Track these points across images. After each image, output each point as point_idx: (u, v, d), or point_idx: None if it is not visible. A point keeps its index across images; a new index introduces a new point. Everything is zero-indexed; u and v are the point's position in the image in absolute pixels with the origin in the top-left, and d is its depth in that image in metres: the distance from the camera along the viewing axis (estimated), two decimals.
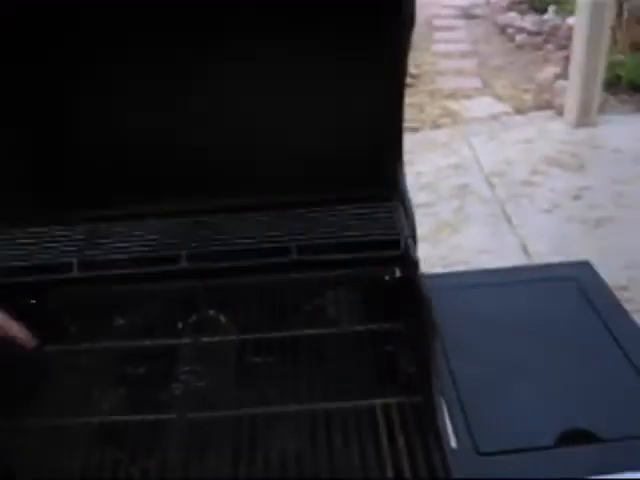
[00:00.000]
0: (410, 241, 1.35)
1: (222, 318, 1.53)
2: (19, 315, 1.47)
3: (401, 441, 1.17)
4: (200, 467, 1.17)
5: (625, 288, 3.12)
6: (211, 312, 1.54)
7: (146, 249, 1.42)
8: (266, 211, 1.46)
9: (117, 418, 1.28)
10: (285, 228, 1.43)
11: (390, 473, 1.12)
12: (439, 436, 1.14)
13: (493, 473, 1.12)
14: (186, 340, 1.46)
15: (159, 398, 1.33)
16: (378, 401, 1.26)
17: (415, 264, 1.29)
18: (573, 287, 1.54)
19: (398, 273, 1.55)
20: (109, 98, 1.46)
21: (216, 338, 1.46)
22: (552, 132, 4.89)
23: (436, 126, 5.14)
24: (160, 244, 1.43)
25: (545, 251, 3.56)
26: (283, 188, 1.47)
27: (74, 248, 1.46)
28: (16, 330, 1.28)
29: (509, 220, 3.92)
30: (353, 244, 1.38)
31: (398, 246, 1.35)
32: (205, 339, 1.46)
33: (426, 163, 4.51)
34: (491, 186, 4.27)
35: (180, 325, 1.51)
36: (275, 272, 1.49)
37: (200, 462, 1.18)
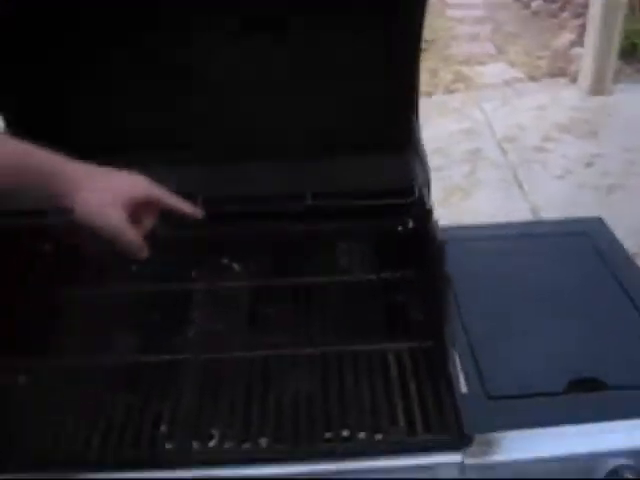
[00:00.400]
0: (424, 189, 1.35)
1: (235, 266, 1.54)
2: (32, 260, 1.49)
3: (412, 385, 1.18)
4: (214, 409, 1.18)
5: (637, 255, 3.11)
6: (224, 260, 1.55)
7: None
8: (281, 160, 1.46)
9: (131, 359, 1.30)
10: (300, 176, 1.43)
11: (401, 416, 1.13)
12: (450, 380, 1.15)
13: (503, 417, 1.13)
14: (200, 286, 1.47)
15: (173, 340, 1.34)
16: (390, 345, 1.27)
17: (429, 212, 1.29)
18: (586, 242, 1.54)
19: (411, 224, 1.56)
20: (109, 98, 1.46)
21: (229, 284, 1.46)
22: (565, 99, 4.86)
23: (449, 91, 5.11)
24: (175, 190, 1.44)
25: (556, 217, 3.55)
26: (298, 138, 1.47)
27: None
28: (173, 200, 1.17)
29: (521, 186, 3.91)
30: (367, 192, 1.38)
31: (412, 194, 1.35)
32: (219, 285, 1.47)
33: (438, 127, 4.49)
34: (503, 151, 4.25)
35: (194, 272, 1.52)
36: (289, 221, 1.50)
37: (214, 404, 1.19)
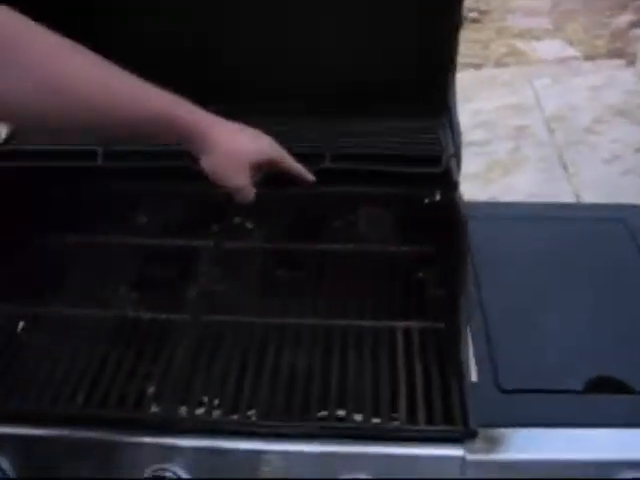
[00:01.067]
0: (453, 160, 1.25)
1: (248, 225, 1.46)
2: (37, 203, 1.42)
3: (418, 368, 1.09)
4: (206, 375, 1.11)
5: None
6: (237, 219, 1.47)
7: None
8: (301, 118, 1.37)
9: (129, 314, 1.23)
10: (321, 135, 1.34)
11: (402, 401, 1.04)
12: (459, 366, 1.06)
13: (513, 412, 1.04)
14: (208, 243, 1.40)
15: (174, 298, 1.27)
16: (399, 324, 1.18)
17: (455, 185, 1.19)
18: (622, 229, 1.43)
19: (438, 196, 1.46)
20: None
21: (240, 244, 1.39)
22: (621, 82, 4.69)
23: (500, 64, 4.96)
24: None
25: (597, 202, 3.42)
26: (322, 95, 1.38)
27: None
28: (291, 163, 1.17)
29: (565, 167, 3.77)
30: (391, 157, 1.28)
31: (439, 163, 1.26)
32: (228, 244, 1.39)
33: (485, 101, 4.35)
34: (550, 130, 4.11)
35: (203, 229, 1.44)
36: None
37: (207, 369, 1.12)
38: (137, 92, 0.96)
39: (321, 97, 1.37)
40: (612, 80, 4.71)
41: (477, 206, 1.41)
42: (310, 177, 1.20)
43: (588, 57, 5.08)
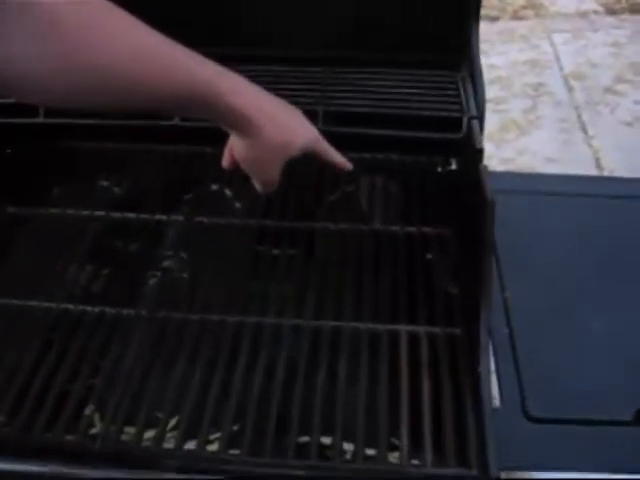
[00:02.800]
0: (475, 123, 1.01)
1: (228, 192, 1.22)
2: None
3: (425, 387, 0.87)
4: (161, 383, 0.89)
5: None
6: (214, 186, 1.24)
7: None
8: (299, 67, 1.13)
9: (72, 308, 1.00)
10: (314, 89, 1.09)
11: (404, 431, 0.82)
12: (478, 387, 0.83)
13: (546, 449, 0.82)
14: (177, 218, 1.16)
15: (129, 287, 1.04)
16: (404, 327, 0.95)
17: (478, 153, 0.95)
18: None
19: (454, 165, 1.22)
20: None
21: (214, 220, 1.15)
22: None
23: (517, 17, 4.65)
24: None
25: (620, 167, 3.16)
26: (327, 41, 1.14)
27: None
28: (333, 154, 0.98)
29: (584, 129, 3.51)
30: (399, 118, 1.04)
31: (459, 128, 1.01)
32: (200, 219, 1.15)
33: (501, 56, 4.07)
34: (569, 89, 3.84)
35: (173, 197, 1.21)
36: None
37: (162, 376, 0.90)
38: (179, 62, 0.79)
39: (326, 46, 1.13)
40: (635, 36, 4.41)
41: (497, 177, 1.17)
42: (349, 166, 1.01)
43: (610, 11, 4.76)
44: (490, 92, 3.71)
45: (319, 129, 1.00)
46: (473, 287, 0.91)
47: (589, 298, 1.02)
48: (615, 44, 4.33)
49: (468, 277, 0.96)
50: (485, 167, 0.90)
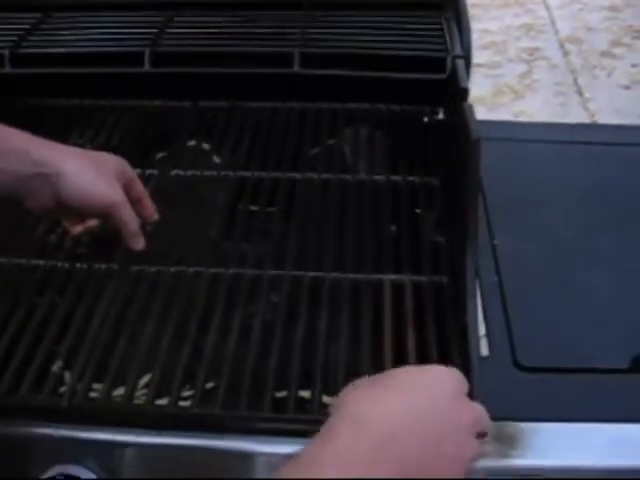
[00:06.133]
0: (460, 63, 0.96)
1: (205, 146, 1.17)
2: None
3: (410, 337, 0.82)
4: (132, 339, 0.85)
5: None
6: (192, 142, 1.19)
7: (100, 43, 1.05)
8: (271, 10, 1.07)
9: (41, 263, 0.95)
10: (292, 32, 1.04)
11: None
12: (465, 336, 0.79)
13: (536, 399, 0.77)
14: (153, 171, 1.11)
15: (100, 242, 0.99)
16: (388, 276, 0.90)
17: (463, 92, 0.90)
18: None
19: (442, 114, 1.18)
20: None
21: (189, 173, 1.10)
22: None
23: None
24: (118, 39, 1.06)
25: None
26: None
27: (10, 39, 1.09)
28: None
29: (580, 92, 3.46)
30: (380, 59, 0.99)
31: (443, 68, 0.96)
32: (176, 172, 1.10)
33: (495, 20, 4.02)
34: (565, 53, 3.79)
35: (150, 153, 1.16)
36: (275, 97, 1.12)
37: (132, 333, 0.85)
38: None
39: None
40: (632, 0, 4.35)
41: (487, 126, 1.12)
42: (154, 216, 0.94)
43: None
44: (484, 57, 3.68)
45: (296, 73, 0.95)
46: (459, 232, 0.87)
47: (583, 247, 0.97)
48: (612, 8, 4.28)
49: (455, 223, 0.91)
50: (470, 106, 0.85)
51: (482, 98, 3.18)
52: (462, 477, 0.59)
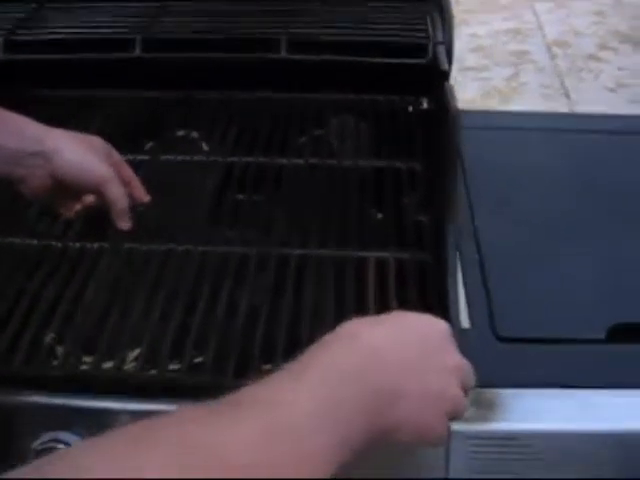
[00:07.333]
0: (441, 49, 0.99)
1: (194, 135, 1.20)
2: None
3: (394, 307, 0.85)
4: (122, 315, 0.87)
5: None
6: (181, 132, 1.21)
7: (92, 31, 1.08)
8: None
9: (34, 243, 0.98)
10: (278, 20, 1.07)
11: None
12: (446, 309, 0.81)
13: (515, 368, 0.80)
14: (144, 157, 1.14)
15: (92, 223, 1.02)
16: (372, 254, 0.93)
17: (444, 74, 0.93)
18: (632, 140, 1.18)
19: (425, 104, 1.21)
20: None
21: (179, 158, 1.12)
22: (629, 6, 4.37)
23: None
24: (109, 27, 1.09)
25: None
26: None
27: (5, 27, 1.11)
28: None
29: (567, 95, 3.50)
30: (364, 45, 1.02)
31: (425, 53, 0.99)
32: (166, 157, 1.13)
33: (483, 25, 4.05)
34: (552, 56, 3.83)
35: (141, 141, 1.18)
36: (262, 85, 1.15)
37: (123, 309, 0.87)
38: None
39: None
40: (619, 4, 4.40)
41: (471, 115, 1.16)
42: (145, 198, 0.96)
43: None
44: (472, 60, 3.72)
45: (282, 58, 0.98)
46: (440, 212, 0.89)
47: (560, 227, 1.00)
48: (598, 13, 4.32)
49: (437, 203, 0.94)
50: (450, 85, 0.88)
51: (472, 101, 3.21)
52: (444, 423, 0.62)
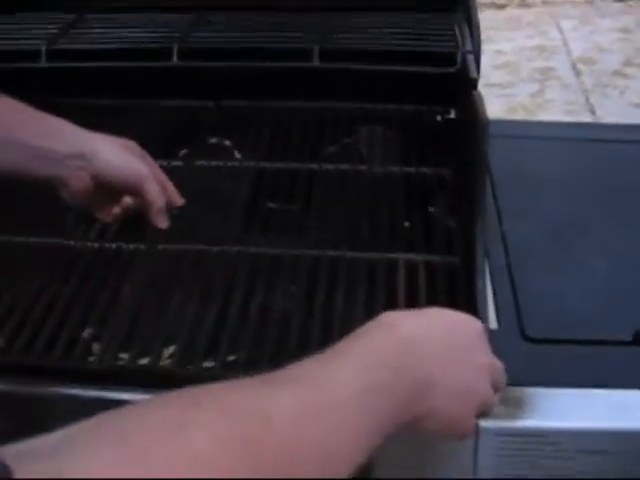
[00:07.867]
0: (470, 57, 1.01)
1: (227, 143, 1.22)
2: None
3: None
4: (158, 314, 0.89)
5: None
6: (213, 140, 1.24)
7: (131, 41, 1.11)
8: (289, 12, 1.13)
9: (73, 243, 1.00)
10: (309, 30, 1.10)
11: None
12: (475, 309, 0.83)
13: (543, 367, 0.81)
14: (177, 163, 1.17)
15: (129, 225, 1.04)
16: (402, 256, 0.95)
17: (472, 83, 0.95)
18: None
19: (452, 114, 1.23)
20: None
21: (212, 164, 1.15)
22: None
23: (524, 4, 4.65)
24: (149, 37, 1.12)
25: None
26: None
27: (45, 36, 1.15)
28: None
29: (592, 111, 3.51)
30: (395, 55, 1.04)
31: (454, 62, 1.02)
32: (200, 162, 1.16)
33: (508, 42, 4.07)
34: (577, 73, 3.83)
35: (173, 149, 1.21)
36: (295, 93, 1.18)
37: (159, 308, 0.90)
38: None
39: None
40: None
41: (501, 124, 1.18)
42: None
43: None
44: (497, 77, 3.73)
45: (315, 67, 1.00)
46: (470, 216, 0.91)
47: (587, 232, 1.01)
48: (623, 30, 4.32)
49: (466, 209, 0.96)
50: (479, 93, 0.90)
51: (495, 117, 3.22)
52: (473, 418, 0.63)
